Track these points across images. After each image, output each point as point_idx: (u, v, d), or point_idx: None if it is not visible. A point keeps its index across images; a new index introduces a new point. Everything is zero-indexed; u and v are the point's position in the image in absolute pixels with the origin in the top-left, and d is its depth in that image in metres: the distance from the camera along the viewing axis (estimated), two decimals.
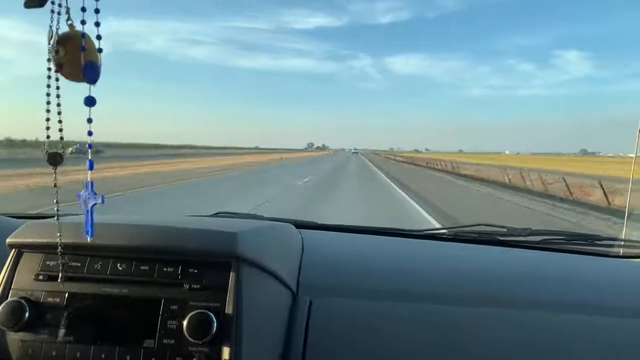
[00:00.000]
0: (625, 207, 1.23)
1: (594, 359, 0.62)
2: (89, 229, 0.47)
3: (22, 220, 0.81)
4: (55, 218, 0.50)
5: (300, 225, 0.99)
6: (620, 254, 0.99)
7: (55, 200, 0.47)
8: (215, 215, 1.06)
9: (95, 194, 0.46)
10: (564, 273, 0.86)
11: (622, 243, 1.01)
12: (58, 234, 0.52)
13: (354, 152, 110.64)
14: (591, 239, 1.02)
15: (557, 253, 0.98)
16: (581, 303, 0.73)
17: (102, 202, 0.46)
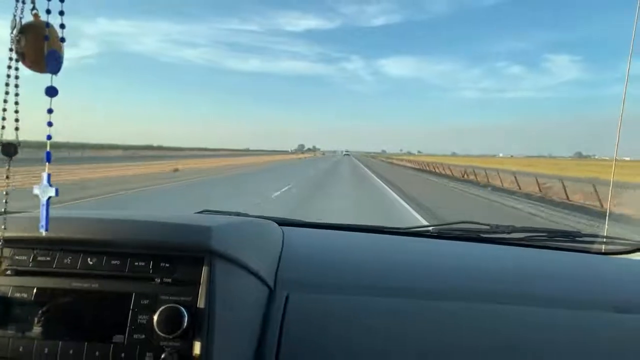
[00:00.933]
0: (607, 206, 1.29)
1: (576, 352, 0.64)
2: (44, 222, 0.47)
3: None
4: (3, 209, 0.50)
5: (284, 222, 1.00)
6: (602, 250, 1.03)
7: (4, 192, 0.48)
8: (201, 212, 1.07)
9: (51, 186, 0.46)
10: (546, 269, 0.89)
11: (604, 240, 1.06)
12: (2, 227, 0.53)
13: (345, 154, 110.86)
14: (573, 235, 1.07)
15: (539, 249, 1.01)
16: (563, 298, 0.75)
17: (56, 194, 0.46)
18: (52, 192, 0.46)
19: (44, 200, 0.46)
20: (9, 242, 0.57)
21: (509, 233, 1.05)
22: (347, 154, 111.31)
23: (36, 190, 0.46)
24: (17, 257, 0.58)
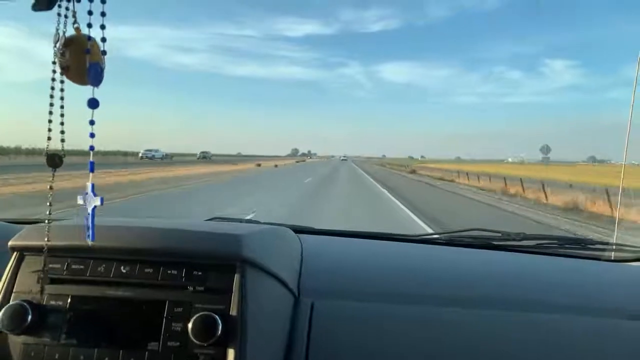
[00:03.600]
0: (616, 213, 1.36)
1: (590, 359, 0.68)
2: (90, 232, 0.49)
3: (21, 225, 0.86)
4: (47, 221, 0.53)
5: (297, 230, 1.06)
6: (612, 257, 1.08)
7: (48, 203, 0.50)
8: (211, 219, 1.12)
9: (96, 195, 0.48)
10: (558, 276, 0.94)
11: (614, 247, 1.11)
12: (46, 238, 0.56)
13: (342, 159, 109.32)
14: (584, 243, 1.12)
15: (550, 257, 1.06)
16: (576, 306, 0.79)
17: (101, 204, 0.48)
18: (97, 201, 0.48)
19: (89, 209, 0.48)
20: (46, 250, 0.60)
21: (519, 240, 1.09)
22: (345, 159, 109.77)
23: (80, 200, 0.48)
24: (51, 265, 0.61)
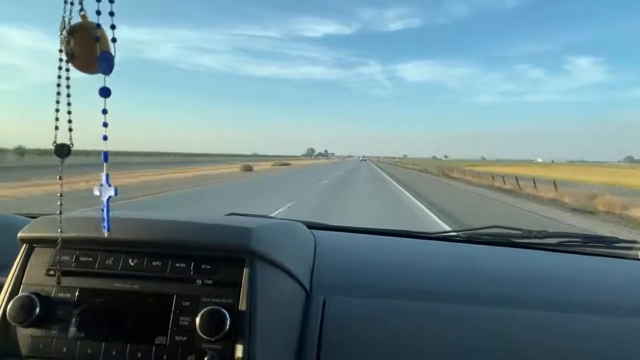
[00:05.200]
0: None
1: None
2: (106, 223, 0.50)
3: (29, 218, 0.87)
4: (58, 212, 0.54)
5: (311, 226, 1.06)
6: (639, 256, 1.05)
7: (59, 194, 0.51)
8: (228, 215, 1.11)
9: (110, 186, 0.48)
10: (581, 275, 0.93)
11: None
12: (59, 229, 0.56)
13: (361, 160, 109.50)
14: (609, 241, 1.10)
15: (573, 255, 1.04)
16: (600, 305, 0.78)
17: (116, 194, 0.49)
18: (111, 191, 0.49)
19: (104, 200, 0.49)
20: (53, 242, 0.60)
21: (541, 238, 1.09)
22: (364, 160, 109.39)
23: (96, 191, 0.49)
24: (60, 258, 0.62)
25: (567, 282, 0.88)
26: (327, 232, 1.10)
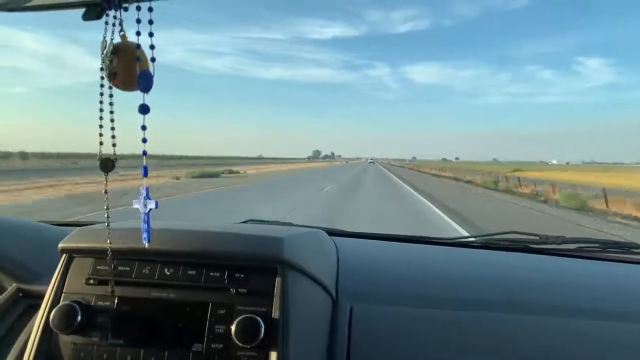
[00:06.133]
0: None
1: None
2: (147, 235, 0.52)
3: (66, 227, 0.92)
4: (106, 224, 0.56)
5: (331, 232, 1.09)
6: None
7: (105, 207, 0.53)
8: (246, 222, 1.15)
9: (150, 199, 0.51)
10: (601, 281, 0.94)
11: None
12: (108, 240, 0.60)
13: (370, 162, 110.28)
14: (627, 247, 1.11)
15: (592, 261, 1.06)
16: (618, 311, 0.78)
17: (156, 207, 0.51)
18: (152, 204, 0.51)
19: (144, 213, 0.51)
20: (92, 252, 0.66)
21: (559, 244, 1.10)
22: (372, 162, 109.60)
23: (136, 204, 0.51)
24: (98, 267, 0.65)
25: (588, 288, 0.88)
26: (346, 238, 1.12)
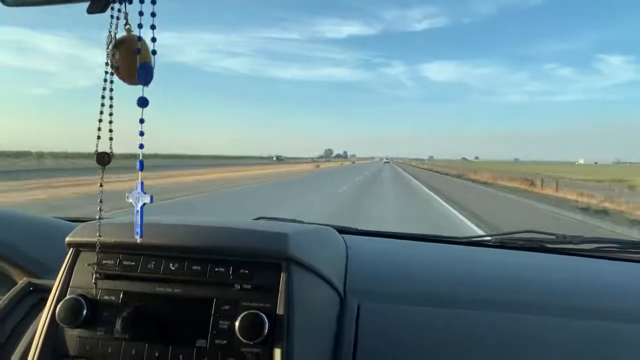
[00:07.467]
0: None
1: None
2: (139, 229, 0.52)
3: (77, 223, 0.91)
4: (98, 217, 0.58)
5: (341, 230, 1.08)
6: None
7: (99, 200, 0.54)
8: (257, 219, 1.15)
9: (145, 194, 0.51)
10: (620, 282, 0.93)
11: None
12: (97, 234, 0.60)
13: (385, 162, 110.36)
14: None
15: (611, 261, 1.05)
16: (638, 311, 0.78)
17: (151, 202, 0.51)
18: (146, 199, 0.51)
19: (138, 207, 0.51)
20: (99, 247, 0.65)
21: (577, 244, 1.09)
22: (387, 162, 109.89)
23: (130, 198, 0.51)
24: (104, 262, 0.66)
25: (607, 289, 0.88)
26: (357, 236, 1.12)
